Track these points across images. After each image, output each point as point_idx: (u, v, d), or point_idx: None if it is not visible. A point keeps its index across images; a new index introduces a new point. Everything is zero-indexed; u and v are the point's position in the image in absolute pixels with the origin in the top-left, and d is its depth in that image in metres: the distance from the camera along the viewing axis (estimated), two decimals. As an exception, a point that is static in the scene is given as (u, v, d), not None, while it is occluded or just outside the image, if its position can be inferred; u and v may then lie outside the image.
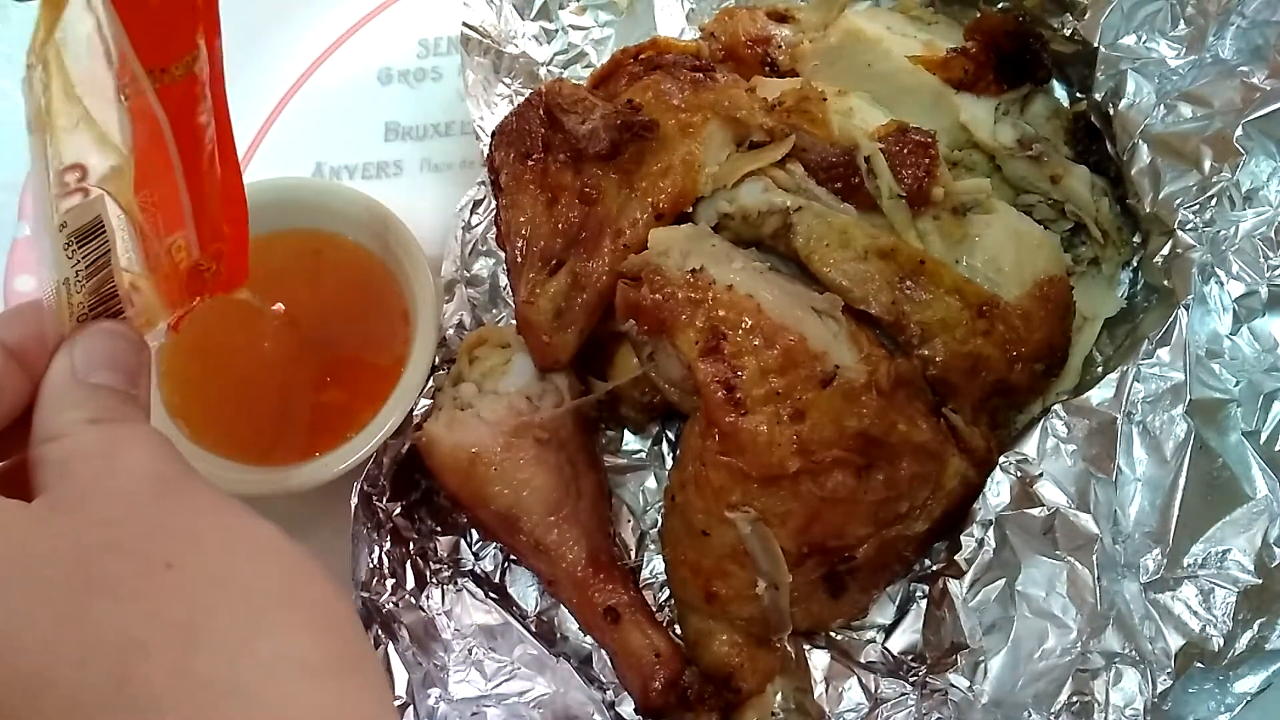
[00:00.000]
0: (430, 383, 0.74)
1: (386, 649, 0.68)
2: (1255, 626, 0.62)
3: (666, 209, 0.67)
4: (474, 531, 0.75)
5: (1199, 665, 0.62)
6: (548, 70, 0.84)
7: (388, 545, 0.71)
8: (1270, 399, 0.64)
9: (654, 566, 0.75)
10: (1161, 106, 0.70)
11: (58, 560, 0.39)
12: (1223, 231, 0.66)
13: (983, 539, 0.65)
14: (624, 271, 0.66)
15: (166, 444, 0.47)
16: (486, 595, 0.72)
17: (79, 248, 0.48)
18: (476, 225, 0.80)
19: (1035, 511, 0.64)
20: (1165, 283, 0.67)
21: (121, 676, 0.37)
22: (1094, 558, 0.62)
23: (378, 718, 0.42)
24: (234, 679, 0.38)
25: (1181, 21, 0.71)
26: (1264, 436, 0.64)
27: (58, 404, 0.46)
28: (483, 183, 0.79)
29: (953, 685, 0.64)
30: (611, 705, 0.70)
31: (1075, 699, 0.62)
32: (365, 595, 0.69)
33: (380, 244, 0.77)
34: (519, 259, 0.70)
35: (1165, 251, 0.67)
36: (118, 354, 0.49)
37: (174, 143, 0.51)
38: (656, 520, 0.76)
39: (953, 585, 0.65)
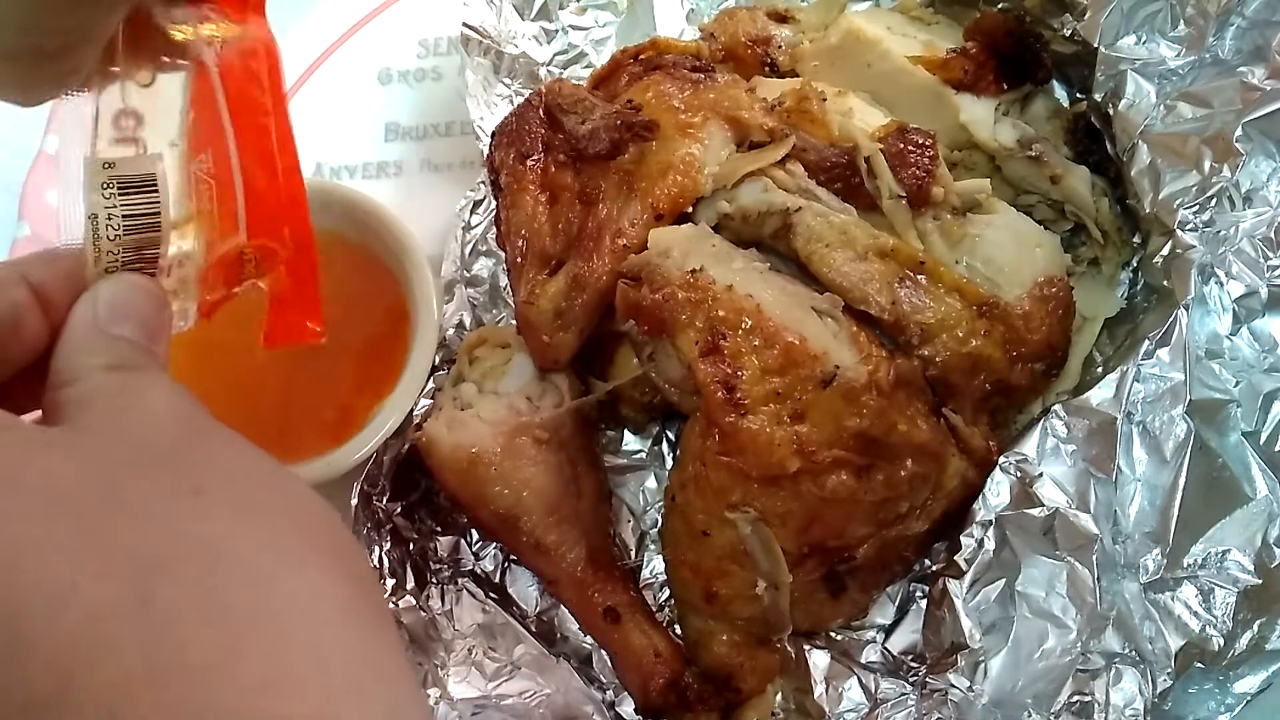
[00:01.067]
0: (430, 383, 0.74)
1: (386, 649, 0.68)
2: (1255, 626, 0.62)
3: (666, 209, 0.67)
4: (474, 531, 0.75)
5: (1199, 665, 0.62)
6: (548, 70, 0.84)
7: (388, 545, 0.71)
8: (1270, 399, 0.64)
9: (654, 566, 0.75)
10: (1161, 107, 0.70)
11: (81, 478, 0.38)
12: (1223, 232, 0.66)
13: (983, 539, 0.65)
14: (624, 271, 0.66)
15: (187, 392, 0.46)
16: (486, 595, 0.72)
17: (121, 195, 0.48)
18: (476, 225, 0.80)
19: (1035, 511, 0.64)
20: (1165, 283, 0.67)
21: (145, 594, 0.36)
22: (1094, 558, 0.62)
23: (400, 667, 0.41)
24: (261, 608, 0.37)
25: (1181, 22, 0.71)
26: (1264, 436, 0.64)
27: (77, 348, 0.45)
28: (483, 183, 0.79)
29: (953, 685, 0.64)
30: (611, 705, 0.70)
31: (1075, 699, 0.62)
32: (365, 595, 0.69)
33: (380, 244, 0.77)
34: (519, 259, 0.70)
35: (1165, 251, 0.67)
36: (142, 308, 0.48)
37: (228, 112, 0.51)
38: (656, 520, 0.76)
39: (953, 585, 0.65)
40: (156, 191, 0.50)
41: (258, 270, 0.57)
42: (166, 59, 0.50)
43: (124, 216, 0.49)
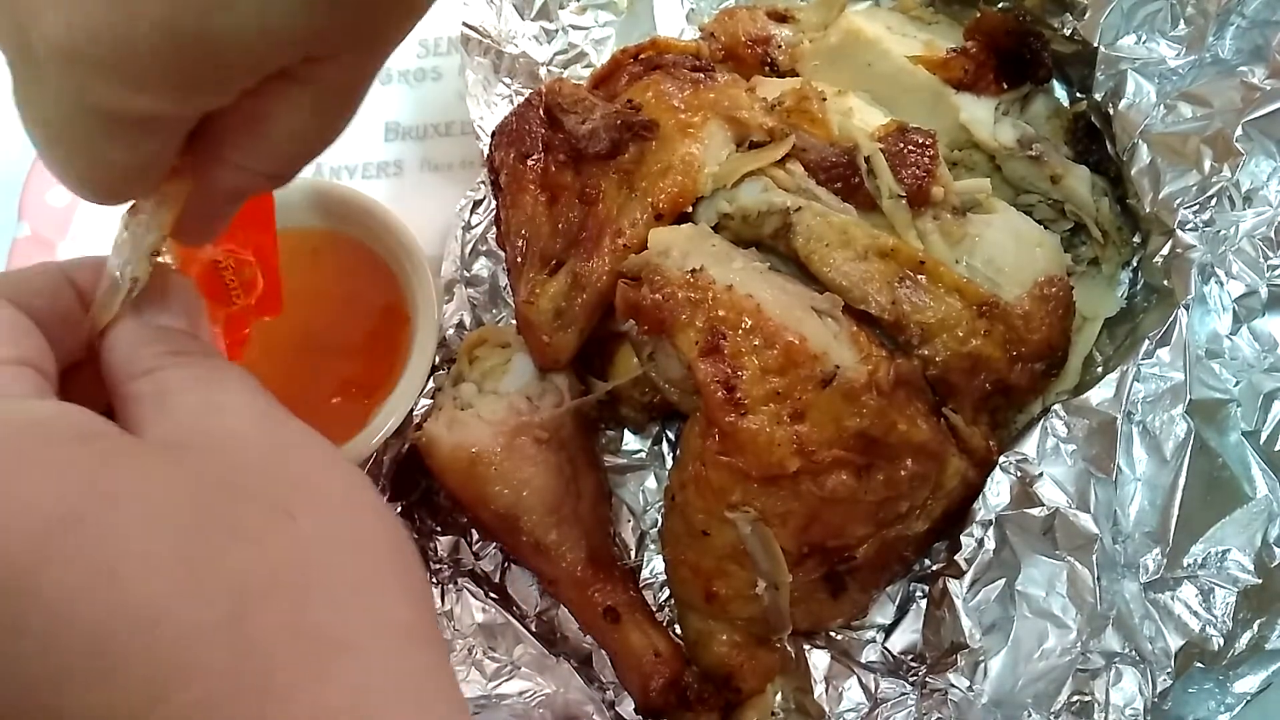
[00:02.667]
0: (430, 383, 0.74)
1: (386, 649, 0.68)
2: (1255, 626, 0.62)
3: (666, 209, 0.67)
4: (474, 531, 0.75)
5: (1199, 665, 0.62)
6: (548, 70, 0.84)
7: (388, 545, 0.71)
8: (1270, 399, 0.64)
9: (654, 566, 0.75)
10: (1161, 106, 0.70)
11: (177, 496, 0.38)
12: (1223, 231, 0.66)
13: (983, 539, 0.65)
14: (624, 271, 0.66)
15: (254, 380, 0.45)
16: (486, 595, 0.72)
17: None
18: (476, 225, 0.80)
19: (1035, 511, 0.64)
20: (1165, 283, 0.67)
21: (236, 617, 0.36)
22: (1094, 558, 0.62)
23: (454, 682, 0.42)
24: (346, 636, 0.37)
25: (1181, 21, 0.71)
26: (1264, 436, 0.64)
27: (135, 340, 0.44)
28: (483, 183, 0.79)
29: (953, 685, 0.64)
30: (611, 705, 0.70)
31: (1075, 699, 0.62)
32: (365, 595, 0.69)
33: (380, 244, 0.77)
34: (519, 259, 0.71)
35: (1165, 251, 0.67)
36: (180, 298, 0.47)
37: None
38: (656, 520, 0.76)
39: (953, 585, 0.65)
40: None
41: (238, 279, 0.56)
42: None
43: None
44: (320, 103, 0.41)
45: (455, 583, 0.72)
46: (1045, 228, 0.72)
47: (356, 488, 0.43)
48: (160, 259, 0.47)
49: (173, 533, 0.37)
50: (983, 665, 0.63)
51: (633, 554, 0.76)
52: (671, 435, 0.78)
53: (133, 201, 0.44)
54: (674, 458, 0.76)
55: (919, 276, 0.65)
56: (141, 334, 0.45)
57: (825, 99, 0.69)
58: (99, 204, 0.43)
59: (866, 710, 0.68)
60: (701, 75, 0.71)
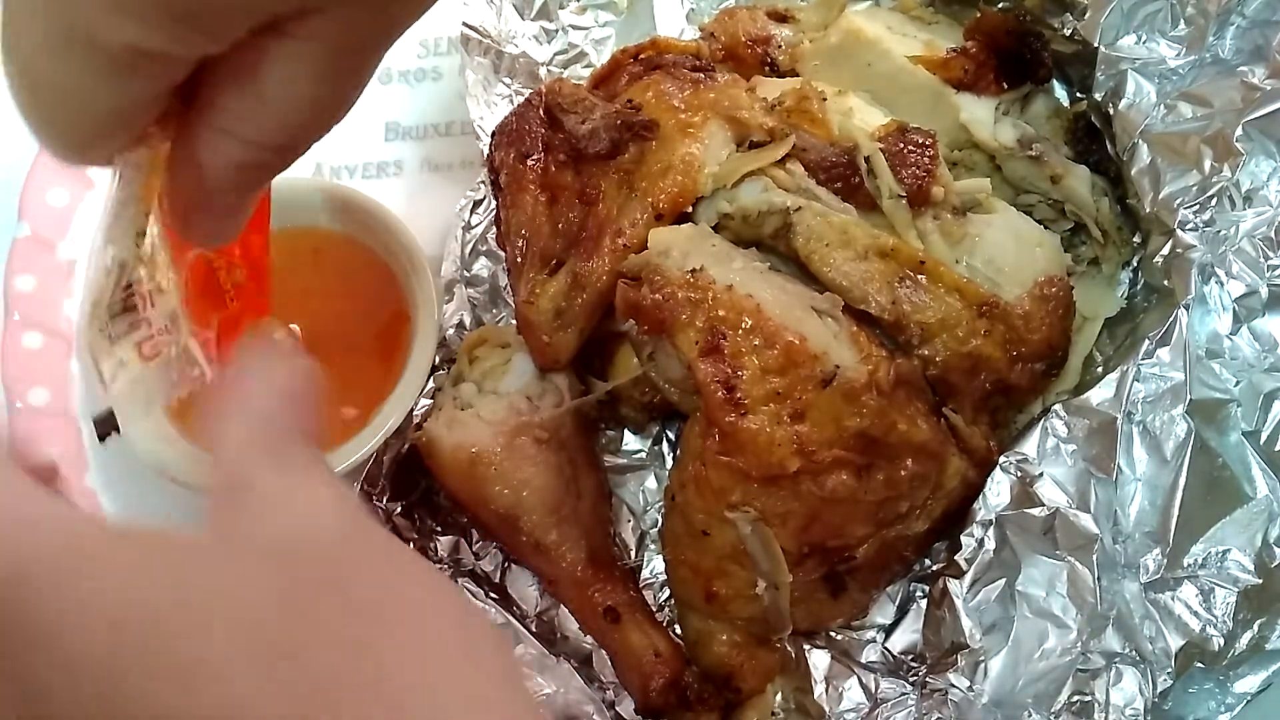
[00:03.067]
0: (430, 383, 0.74)
1: (386, 649, 0.68)
2: (1255, 626, 0.62)
3: (666, 209, 0.67)
4: (474, 531, 0.75)
5: (1199, 665, 0.62)
6: (548, 70, 0.84)
7: (388, 545, 0.71)
8: (1270, 399, 0.64)
9: (654, 566, 0.75)
10: (1161, 106, 0.70)
11: (260, 597, 0.37)
12: (1223, 231, 0.66)
13: (983, 539, 0.65)
14: (624, 271, 0.66)
15: (343, 484, 0.45)
16: (486, 595, 0.72)
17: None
18: (476, 225, 0.80)
19: (1035, 511, 0.64)
20: (1165, 283, 0.67)
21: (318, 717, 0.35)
22: (1094, 558, 0.62)
23: None
24: None
25: (1181, 21, 0.71)
26: (1264, 436, 0.64)
27: (241, 444, 0.44)
28: (483, 183, 0.79)
29: (953, 685, 0.64)
30: (611, 705, 0.70)
31: (1075, 699, 0.62)
32: (365, 595, 0.69)
33: (380, 244, 0.77)
34: (519, 259, 0.70)
35: (1165, 251, 0.67)
36: (290, 380, 0.47)
37: None
38: (656, 520, 0.76)
39: (953, 585, 0.65)
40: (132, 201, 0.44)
41: (230, 280, 0.55)
42: None
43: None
44: (318, 66, 0.40)
45: (455, 582, 0.72)
46: (1045, 228, 0.72)
47: (430, 585, 0.43)
48: (147, 242, 0.45)
49: (252, 634, 0.36)
50: (983, 665, 0.63)
51: (633, 554, 0.76)
52: (671, 435, 0.78)
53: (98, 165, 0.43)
54: (674, 458, 0.76)
55: (919, 276, 0.65)
56: (243, 433, 0.44)
57: (825, 99, 0.69)
58: (67, 159, 0.41)
59: (866, 710, 0.68)
60: (701, 75, 0.71)
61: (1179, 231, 0.66)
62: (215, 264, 0.55)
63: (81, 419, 0.78)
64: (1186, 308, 0.64)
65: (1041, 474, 0.64)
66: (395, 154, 0.89)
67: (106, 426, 0.62)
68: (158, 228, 0.46)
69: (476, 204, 0.80)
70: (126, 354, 0.47)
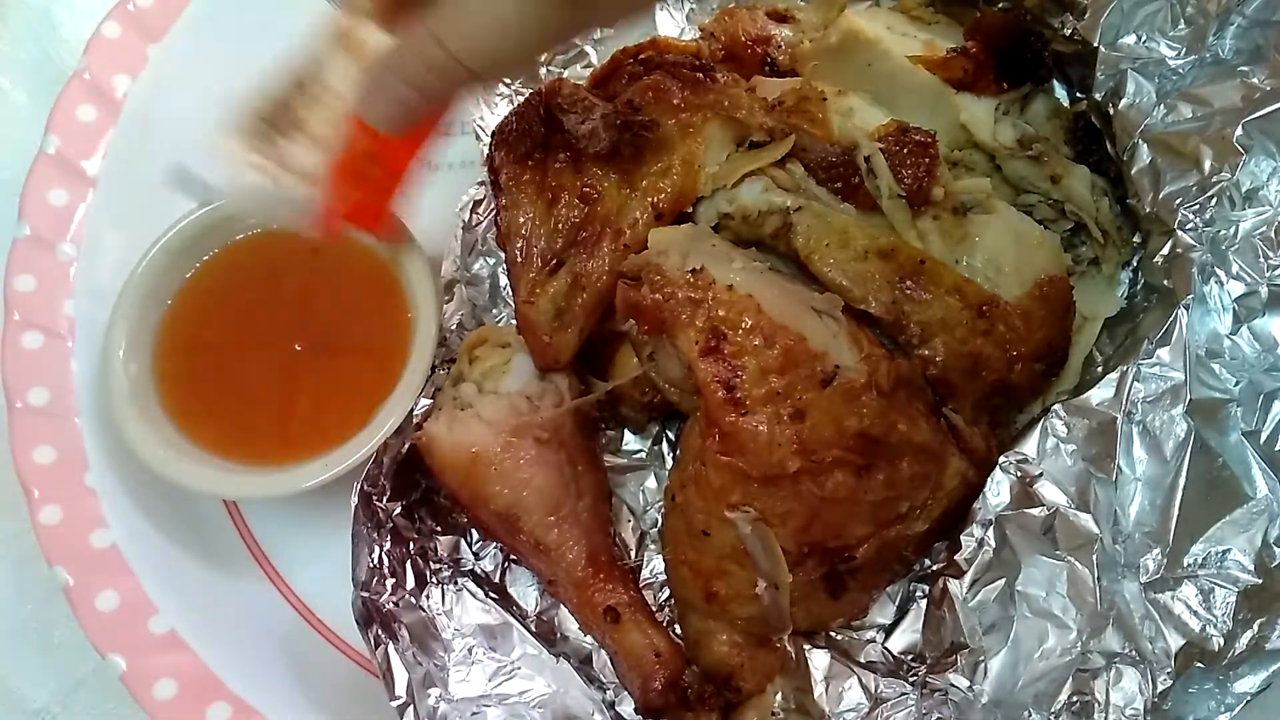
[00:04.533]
0: (430, 383, 0.74)
1: (387, 649, 0.68)
2: (1255, 626, 0.62)
3: (666, 209, 0.67)
4: (474, 531, 0.75)
5: (1199, 665, 0.62)
6: (548, 70, 0.84)
7: (388, 545, 0.71)
8: (1270, 399, 0.64)
9: (654, 566, 0.75)
10: (1161, 106, 0.70)
11: None
12: (1223, 231, 0.66)
13: (983, 539, 0.65)
14: (624, 271, 0.66)
15: None
16: (486, 595, 0.72)
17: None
18: (476, 225, 0.80)
19: (1035, 511, 0.64)
20: (1165, 283, 0.67)
21: None
22: (1094, 558, 0.62)
23: None
24: None
25: (1181, 21, 0.71)
26: (1264, 436, 0.64)
27: None
28: (483, 183, 0.79)
29: (953, 685, 0.64)
30: (611, 705, 0.70)
31: (1075, 699, 0.62)
32: (365, 595, 0.69)
33: (380, 244, 0.77)
34: (519, 259, 0.70)
35: (1165, 251, 0.67)
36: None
37: None
38: (656, 520, 0.76)
39: (953, 585, 0.65)
40: None
41: (371, 167, 0.60)
42: None
43: None
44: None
45: (455, 583, 0.72)
46: (1045, 228, 0.72)
47: None
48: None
49: None
50: (983, 665, 0.63)
51: (633, 554, 0.75)
52: (671, 435, 0.78)
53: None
54: (674, 458, 0.77)
55: (919, 276, 0.65)
56: None
57: (825, 99, 0.69)
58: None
59: (866, 710, 0.68)
60: (701, 75, 0.71)
61: (1179, 231, 0.66)
62: (365, 156, 0.60)
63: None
64: (1186, 308, 0.64)
65: (1041, 474, 0.64)
66: (395, 154, 0.89)
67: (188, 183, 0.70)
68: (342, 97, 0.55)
69: (476, 204, 0.80)
70: (256, 158, 0.57)
